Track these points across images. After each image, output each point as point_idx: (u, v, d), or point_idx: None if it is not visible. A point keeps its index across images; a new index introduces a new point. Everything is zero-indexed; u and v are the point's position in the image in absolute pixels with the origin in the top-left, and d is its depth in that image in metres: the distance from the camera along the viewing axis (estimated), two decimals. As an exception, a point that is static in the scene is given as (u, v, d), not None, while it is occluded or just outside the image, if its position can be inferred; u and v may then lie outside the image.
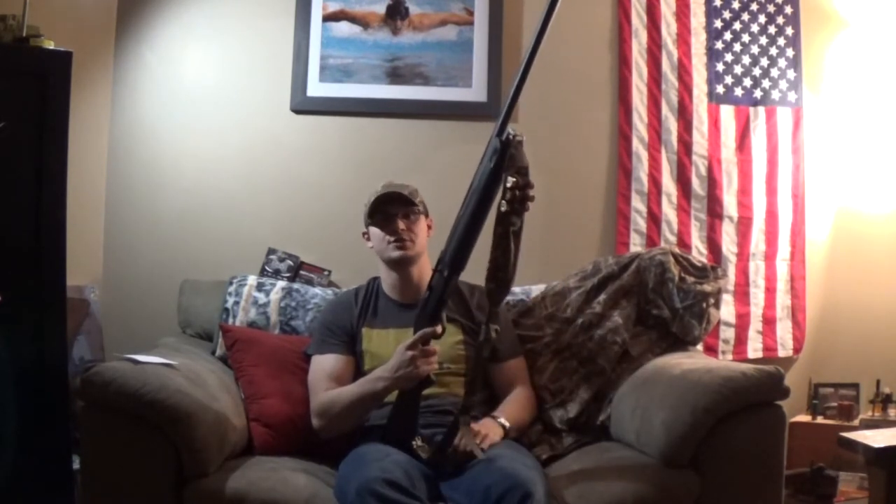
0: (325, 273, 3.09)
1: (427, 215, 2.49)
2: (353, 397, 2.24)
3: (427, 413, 2.24)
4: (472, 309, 2.48)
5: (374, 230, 2.44)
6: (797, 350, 3.24)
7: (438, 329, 2.12)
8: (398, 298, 2.45)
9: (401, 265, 2.41)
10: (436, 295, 2.13)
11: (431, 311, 2.13)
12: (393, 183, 2.46)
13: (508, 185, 1.87)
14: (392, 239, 2.38)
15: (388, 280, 2.47)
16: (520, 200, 1.87)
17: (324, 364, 2.38)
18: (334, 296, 2.73)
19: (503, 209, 1.87)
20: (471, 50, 3.21)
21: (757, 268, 3.23)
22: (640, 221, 3.22)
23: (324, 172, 3.22)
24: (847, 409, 3.03)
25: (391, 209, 2.40)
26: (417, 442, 2.11)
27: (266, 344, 2.58)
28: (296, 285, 2.88)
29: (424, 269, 2.44)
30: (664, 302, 2.60)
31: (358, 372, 2.38)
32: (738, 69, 3.26)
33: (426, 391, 2.19)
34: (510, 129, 1.93)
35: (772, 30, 3.26)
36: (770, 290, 3.23)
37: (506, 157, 1.89)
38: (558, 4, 1.96)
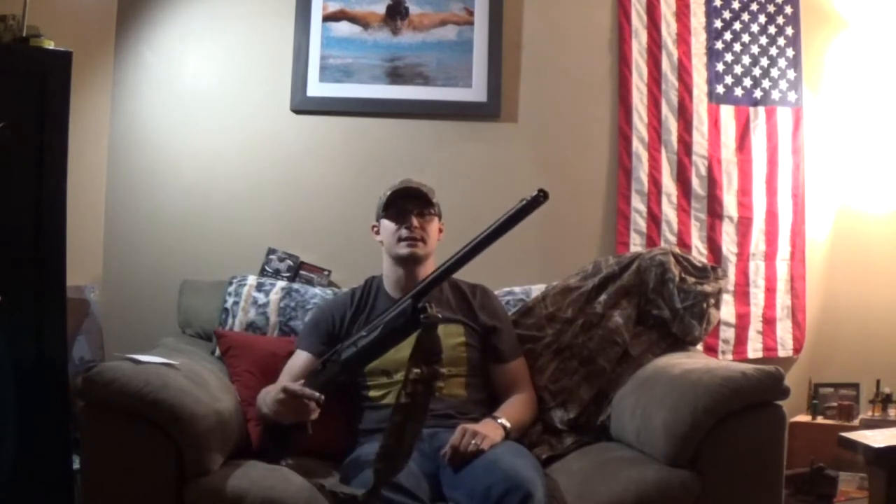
0: (325, 273, 3.09)
1: (440, 218, 2.49)
2: (259, 408, 2.25)
3: (429, 415, 2.23)
4: (475, 309, 2.48)
5: (385, 223, 2.42)
6: (797, 350, 3.24)
7: (317, 401, 2.08)
8: (399, 296, 2.44)
9: (407, 263, 2.40)
10: (324, 378, 2.13)
11: (320, 388, 2.10)
12: (412, 180, 2.46)
13: (411, 376, 1.65)
14: (404, 235, 2.37)
15: (391, 276, 2.46)
16: (423, 394, 1.65)
17: (296, 360, 2.40)
18: (334, 296, 2.73)
19: (402, 400, 1.66)
20: (471, 50, 3.21)
21: (757, 268, 3.23)
22: (640, 221, 3.22)
23: (324, 172, 3.22)
24: (847, 409, 3.03)
25: (408, 205, 2.39)
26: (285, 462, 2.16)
27: (260, 349, 2.57)
28: (296, 285, 2.88)
29: (428, 270, 2.44)
30: (664, 302, 2.60)
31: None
32: (738, 69, 3.26)
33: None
34: (427, 304, 1.77)
35: (772, 30, 3.26)
36: (770, 290, 3.23)
37: (410, 327, 1.77)
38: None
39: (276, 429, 2.19)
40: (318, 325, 2.47)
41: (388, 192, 2.43)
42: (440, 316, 1.73)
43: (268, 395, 2.19)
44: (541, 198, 1.78)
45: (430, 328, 1.69)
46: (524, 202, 1.80)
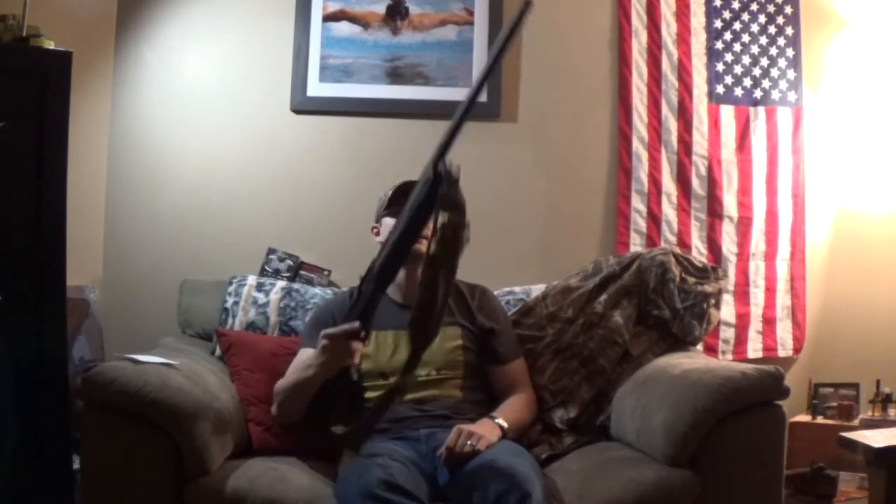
0: (325, 273, 3.09)
1: None
2: (291, 383, 2.24)
3: (424, 417, 2.24)
4: (473, 311, 2.47)
5: (388, 221, 2.39)
6: (797, 350, 3.23)
7: (361, 334, 2.06)
8: (398, 298, 2.44)
9: (410, 261, 2.40)
10: (362, 302, 2.08)
11: (357, 317, 2.07)
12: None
13: (440, 223, 1.76)
14: None
15: None
16: (451, 241, 1.77)
17: (301, 357, 2.35)
18: (333, 295, 2.73)
19: (433, 252, 1.77)
20: (471, 50, 3.21)
21: (757, 268, 3.23)
22: (640, 221, 3.22)
23: (324, 172, 3.22)
24: (847, 409, 3.03)
25: None
26: (338, 429, 2.09)
27: (261, 348, 2.57)
28: (295, 285, 2.88)
29: (429, 269, 2.44)
30: (665, 302, 2.60)
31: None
32: (738, 69, 3.26)
33: (423, 394, 2.21)
34: (447, 162, 1.83)
35: (772, 30, 3.26)
36: (770, 290, 3.23)
37: (438, 191, 1.80)
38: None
39: (321, 401, 2.14)
40: (319, 323, 2.45)
41: (391, 191, 2.43)
42: (459, 167, 1.78)
43: (312, 360, 2.14)
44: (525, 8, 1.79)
45: (454, 182, 1.79)
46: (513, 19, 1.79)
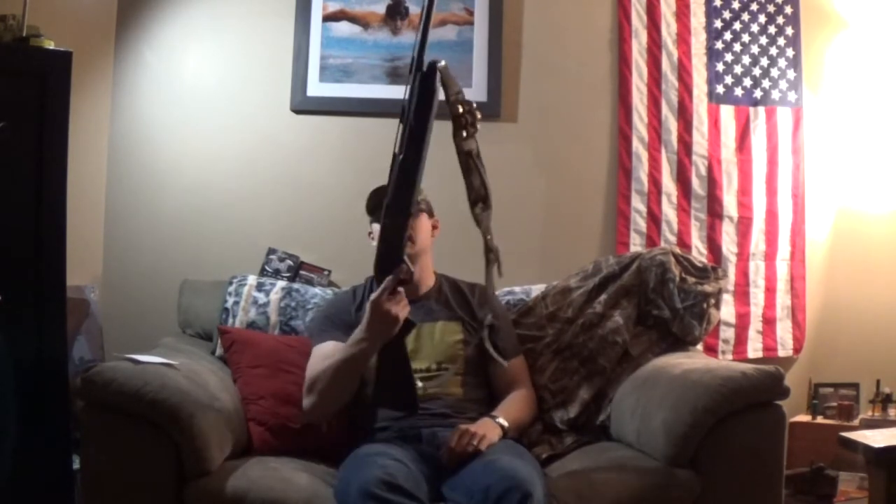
0: (325, 273, 3.09)
1: (432, 215, 2.48)
2: (338, 364, 2.16)
3: (424, 415, 2.23)
4: (473, 307, 2.47)
5: (375, 227, 2.39)
6: (797, 350, 3.24)
7: (404, 271, 2.04)
8: None
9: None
10: (391, 243, 2.05)
11: (391, 257, 2.04)
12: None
13: (458, 112, 1.91)
14: None
15: None
16: (471, 124, 1.91)
17: (323, 350, 2.31)
18: (333, 295, 2.73)
19: (462, 136, 1.91)
20: (471, 50, 3.21)
21: (757, 268, 3.23)
22: (640, 221, 3.22)
23: (324, 172, 3.22)
24: (847, 409, 3.03)
25: None
26: (419, 384, 2.08)
27: (263, 345, 2.57)
28: (296, 285, 2.88)
29: (426, 268, 2.43)
30: (665, 302, 2.60)
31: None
32: (738, 69, 3.26)
33: (422, 393, 2.18)
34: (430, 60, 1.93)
35: (772, 30, 3.26)
36: (770, 290, 3.23)
37: (434, 85, 1.91)
38: None
39: (393, 357, 2.08)
40: (332, 316, 2.44)
41: (368, 195, 2.44)
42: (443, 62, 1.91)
43: (361, 333, 2.09)
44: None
45: (446, 68, 1.91)
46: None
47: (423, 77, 1.91)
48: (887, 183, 3.27)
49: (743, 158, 3.24)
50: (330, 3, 3.24)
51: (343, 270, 3.07)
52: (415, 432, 2.21)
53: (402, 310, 2.05)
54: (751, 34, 3.27)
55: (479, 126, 1.93)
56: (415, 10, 3.23)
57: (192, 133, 3.21)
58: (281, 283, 2.87)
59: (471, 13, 3.23)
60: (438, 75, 1.90)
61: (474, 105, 1.92)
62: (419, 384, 2.09)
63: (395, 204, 2.02)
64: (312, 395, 2.22)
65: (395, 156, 2.01)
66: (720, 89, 3.26)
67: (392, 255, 2.05)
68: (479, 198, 1.93)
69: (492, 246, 1.95)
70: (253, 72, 3.23)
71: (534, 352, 2.58)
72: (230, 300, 2.81)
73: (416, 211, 2.36)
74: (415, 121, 1.94)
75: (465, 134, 1.91)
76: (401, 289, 2.06)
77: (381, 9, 3.24)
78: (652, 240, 3.20)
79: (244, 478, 2.07)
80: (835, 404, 3.06)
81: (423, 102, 1.92)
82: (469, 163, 1.92)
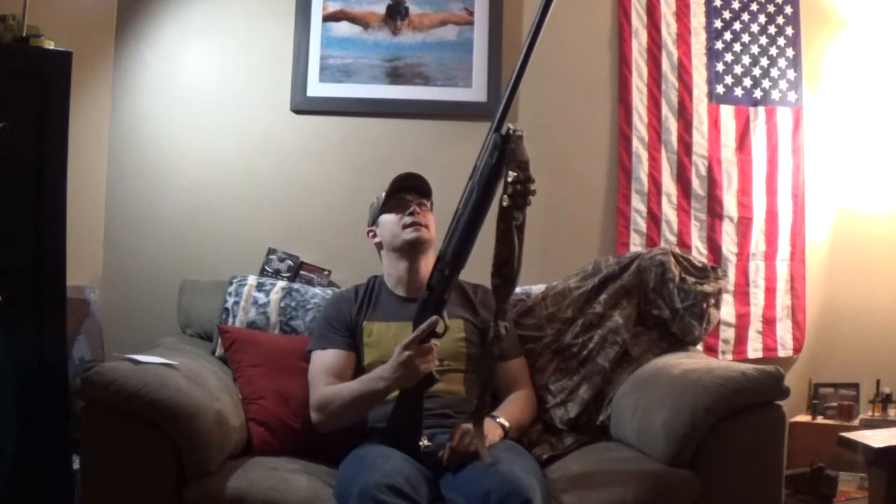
0: (325, 273, 3.09)
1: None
2: (354, 394, 2.22)
3: (425, 415, 2.23)
4: (476, 306, 2.48)
5: (386, 218, 2.44)
6: (797, 350, 3.24)
7: (440, 325, 2.10)
8: (401, 292, 2.45)
9: (413, 250, 2.41)
10: (437, 293, 2.11)
11: (433, 309, 2.11)
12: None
13: (510, 179, 1.89)
14: (408, 221, 2.39)
15: (393, 273, 2.47)
16: (521, 195, 1.89)
17: (324, 359, 2.37)
18: (334, 295, 2.73)
19: (505, 204, 1.89)
20: (471, 50, 3.21)
21: (757, 268, 3.23)
22: (640, 221, 3.22)
23: (324, 172, 3.22)
24: (847, 409, 3.03)
25: (408, 196, 2.44)
26: (424, 441, 2.11)
27: (264, 344, 2.57)
28: (296, 285, 2.88)
29: (430, 264, 2.44)
30: (664, 302, 2.60)
31: (359, 366, 2.38)
32: (738, 69, 3.26)
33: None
34: (509, 124, 1.94)
35: (772, 30, 3.26)
36: (770, 290, 3.23)
37: (506, 153, 1.90)
38: (553, 4, 1.94)
39: (408, 402, 2.14)
40: (330, 322, 2.45)
41: (388, 186, 2.46)
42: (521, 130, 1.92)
43: (384, 372, 2.13)
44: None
45: (519, 139, 1.91)
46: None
47: (499, 144, 1.92)
48: (887, 183, 3.27)
49: (743, 158, 3.24)
50: (330, 3, 3.24)
51: (343, 270, 3.07)
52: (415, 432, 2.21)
53: (427, 364, 2.10)
54: (751, 34, 3.27)
55: (530, 201, 1.90)
56: (415, 10, 3.23)
57: (192, 133, 3.21)
58: (281, 283, 2.87)
59: (471, 13, 3.23)
60: (511, 145, 1.90)
61: (532, 180, 1.90)
62: (424, 441, 2.13)
63: (450, 259, 2.07)
64: (323, 413, 2.27)
65: (457, 211, 2.05)
66: (720, 89, 3.26)
67: (433, 306, 2.11)
68: (502, 274, 1.91)
69: (498, 332, 1.97)
70: (253, 72, 3.23)
71: (534, 352, 2.59)
72: (230, 300, 2.81)
73: (427, 207, 2.46)
74: (480, 189, 1.98)
75: (510, 202, 1.88)
76: (435, 341, 2.11)
77: (381, 9, 3.24)
78: (652, 240, 3.20)
79: (244, 478, 2.07)
80: (835, 404, 3.06)
81: (493, 173, 1.95)
82: (508, 235, 1.89)
